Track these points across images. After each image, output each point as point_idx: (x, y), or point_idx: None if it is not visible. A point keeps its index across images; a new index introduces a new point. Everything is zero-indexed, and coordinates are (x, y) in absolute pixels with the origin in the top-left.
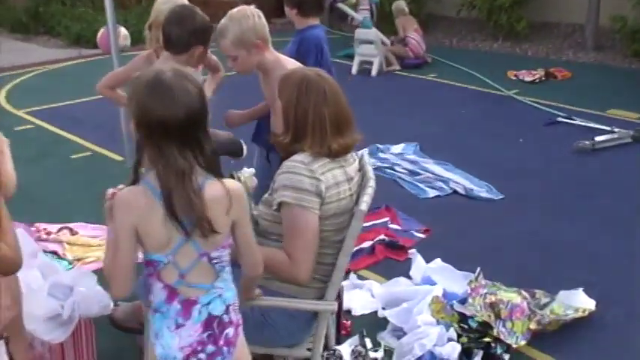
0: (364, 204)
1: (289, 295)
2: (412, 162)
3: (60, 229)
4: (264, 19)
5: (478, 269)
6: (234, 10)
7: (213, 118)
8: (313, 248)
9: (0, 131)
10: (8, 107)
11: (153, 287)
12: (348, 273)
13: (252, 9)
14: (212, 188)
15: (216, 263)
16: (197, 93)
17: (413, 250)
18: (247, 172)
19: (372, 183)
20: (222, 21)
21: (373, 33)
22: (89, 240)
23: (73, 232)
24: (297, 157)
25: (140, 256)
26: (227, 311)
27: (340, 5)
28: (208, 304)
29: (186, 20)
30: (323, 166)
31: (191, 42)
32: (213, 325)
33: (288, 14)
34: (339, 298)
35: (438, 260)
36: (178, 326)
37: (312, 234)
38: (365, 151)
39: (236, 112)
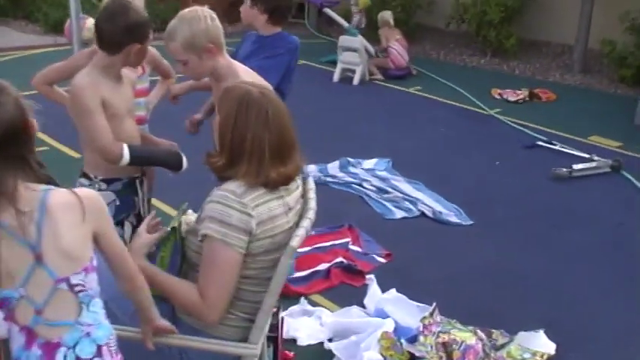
0: (296, 239)
1: (211, 334)
2: (382, 179)
3: None
4: (217, 22)
5: (433, 305)
6: (185, 10)
7: (160, 126)
8: (229, 289)
9: None
10: None
11: (11, 332)
12: (298, 297)
13: (204, 10)
14: (58, 196)
15: (79, 292)
16: (12, 104)
17: (371, 276)
18: (190, 216)
19: (310, 214)
20: (172, 22)
21: (358, 41)
22: None
23: None
24: (229, 185)
25: None
26: (99, 353)
27: (327, 10)
28: (74, 346)
29: (118, 17)
30: (258, 197)
31: (125, 40)
32: None
33: (248, 17)
34: (278, 329)
35: (393, 291)
36: None
37: (231, 273)
38: (312, 175)
39: (179, 84)
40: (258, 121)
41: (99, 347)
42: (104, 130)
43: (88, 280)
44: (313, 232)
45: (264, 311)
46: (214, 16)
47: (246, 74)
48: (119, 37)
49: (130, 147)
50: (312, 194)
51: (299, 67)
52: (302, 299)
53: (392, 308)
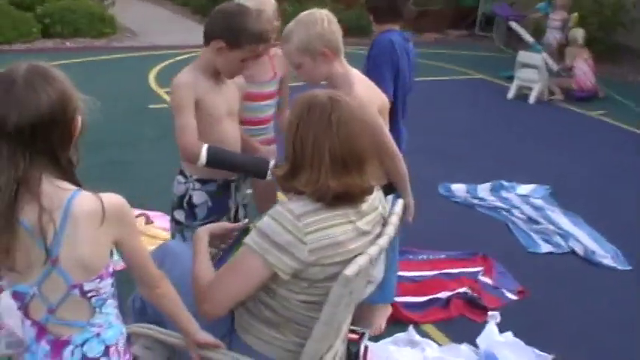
0: (353, 267)
1: (264, 355)
2: (536, 208)
3: (137, 215)
4: (335, 25)
5: (551, 357)
6: (304, 13)
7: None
8: (236, 297)
9: (133, 106)
10: (153, 84)
11: (24, 323)
12: (408, 324)
13: (323, 13)
14: (83, 202)
15: (92, 297)
16: (54, 96)
17: (494, 313)
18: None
19: (382, 241)
20: (289, 25)
21: (539, 58)
22: (159, 232)
23: (148, 221)
24: (290, 204)
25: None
26: (106, 353)
27: (513, 24)
28: (83, 344)
29: (222, 12)
30: (320, 221)
31: (212, 32)
32: None
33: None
34: (358, 358)
35: (509, 334)
36: None
37: (247, 286)
38: (458, 195)
39: None
40: (320, 124)
41: (107, 347)
42: (188, 128)
43: (103, 286)
44: (443, 256)
45: (313, 339)
46: (332, 19)
47: (362, 84)
48: (210, 27)
49: (210, 149)
50: (394, 219)
51: (473, 82)
52: (411, 327)
53: (506, 353)
